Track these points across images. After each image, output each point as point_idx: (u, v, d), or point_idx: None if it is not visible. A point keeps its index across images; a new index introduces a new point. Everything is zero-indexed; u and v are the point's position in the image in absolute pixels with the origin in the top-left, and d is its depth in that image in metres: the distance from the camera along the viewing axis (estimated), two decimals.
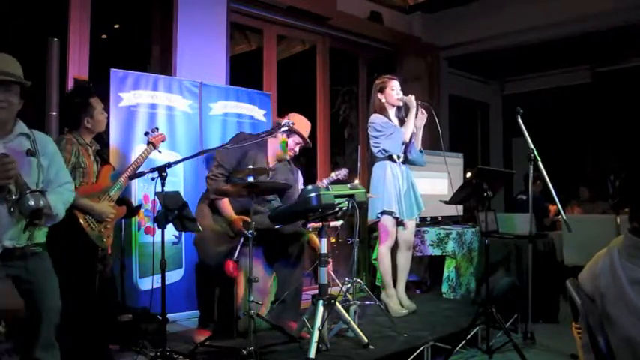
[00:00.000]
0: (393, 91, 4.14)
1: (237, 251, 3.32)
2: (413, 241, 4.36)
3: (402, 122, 4.16)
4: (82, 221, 2.94)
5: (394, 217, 4.06)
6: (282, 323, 3.38)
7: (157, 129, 3.51)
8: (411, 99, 4.11)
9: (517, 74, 8.59)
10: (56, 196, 2.24)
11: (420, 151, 4.26)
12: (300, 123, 3.73)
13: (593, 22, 6.03)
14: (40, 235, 2.18)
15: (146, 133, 3.44)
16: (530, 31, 6.39)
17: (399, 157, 4.12)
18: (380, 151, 4.08)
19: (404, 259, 4.26)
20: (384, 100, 4.14)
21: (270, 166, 3.70)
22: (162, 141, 3.47)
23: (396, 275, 4.26)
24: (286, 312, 3.54)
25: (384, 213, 4.04)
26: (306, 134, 3.76)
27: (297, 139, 3.70)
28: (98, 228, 3.00)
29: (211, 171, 3.56)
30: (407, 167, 4.19)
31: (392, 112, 4.17)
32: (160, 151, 3.48)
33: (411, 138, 4.16)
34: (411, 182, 4.19)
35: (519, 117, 3.87)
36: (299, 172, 4.73)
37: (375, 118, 4.10)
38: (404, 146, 4.13)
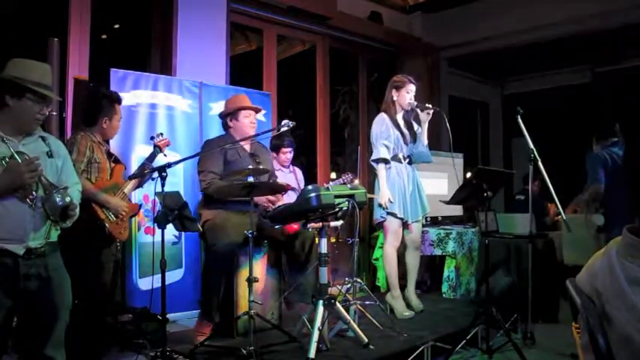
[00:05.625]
0: (408, 94, 4.10)
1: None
2: (420, 241, 4.34)
3: (407, 124, 4.15)
4: (100, 214, 3.06)
5: (398, 218, 4.05)
6: (293, 304, 3.38)
7: (162, 134, 3.61)
8: (424, 115, 4.11)
9: (517, 74, 8.57)
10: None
11: (426, 146, 4.23)
12: None
13: (593, 22, 6.02)
14: (55, 235, 2.22)
15: (152, 138, 3.55)
16: (530, 31, 6.38)
17: (404, 158, 4.11)
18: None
19: (412, 260, 4.22)
20: (395, 99, 4.11)
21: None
22: (167, 145, 3.58)
23: (406, 276, 4.25)
24: (302, 295, 3.55)
25: (388, 214, 4.02)
26: None
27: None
28: (115, 221, 3.11)
29: (204, 180, 3.53)
30: (413, 168, 4.17)
31: (400, 113, 4.16)
32: (165, 154, 3.56)
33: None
34: (417, 183, 4.15)
35: (519, 117, 3.86)
36: (299, 172, 4.73)
37: (376, 123, 4.09)
38: (409, 146, 4.12)
